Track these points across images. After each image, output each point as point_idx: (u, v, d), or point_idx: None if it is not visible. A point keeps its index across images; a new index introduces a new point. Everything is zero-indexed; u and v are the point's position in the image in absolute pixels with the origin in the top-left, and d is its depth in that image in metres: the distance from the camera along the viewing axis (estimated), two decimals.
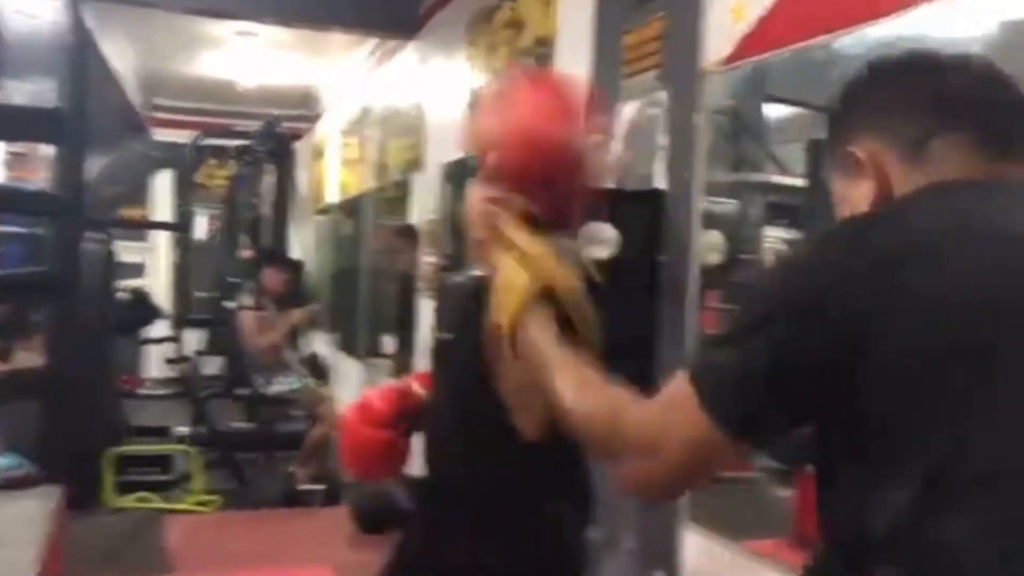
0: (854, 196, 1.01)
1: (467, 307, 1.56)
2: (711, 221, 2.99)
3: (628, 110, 3.27)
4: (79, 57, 3.84)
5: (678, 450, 0.96)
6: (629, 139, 3.27)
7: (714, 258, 2.88)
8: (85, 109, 3.87)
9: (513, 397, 1.46)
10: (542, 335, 1.21)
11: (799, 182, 5.06)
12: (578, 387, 1.11)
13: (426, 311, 5.67)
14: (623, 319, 2.87)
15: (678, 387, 0.96)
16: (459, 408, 1.58)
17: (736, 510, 3.60)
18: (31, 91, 4.03)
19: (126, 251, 7.79)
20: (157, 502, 5.15)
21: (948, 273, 0.86)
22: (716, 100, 3.07)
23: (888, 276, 0.86)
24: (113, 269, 5.43)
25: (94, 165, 5.13)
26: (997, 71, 1.02)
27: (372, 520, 4.80)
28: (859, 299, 0.87)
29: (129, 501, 5.10)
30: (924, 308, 0.85)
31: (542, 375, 1.18)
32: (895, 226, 0.92)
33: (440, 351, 1.92)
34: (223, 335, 6.63)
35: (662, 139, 3.07)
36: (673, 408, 0.97)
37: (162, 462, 5.71)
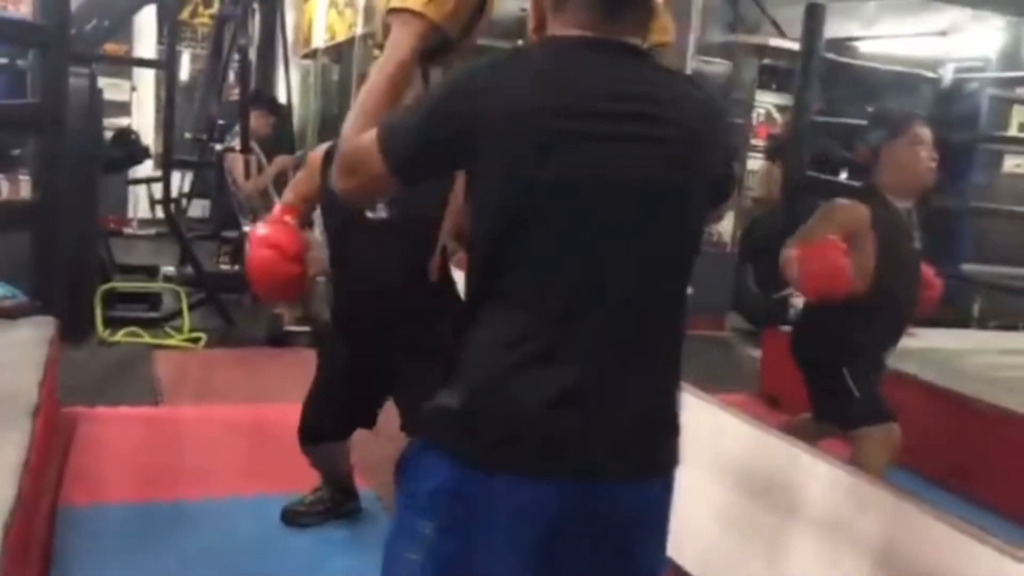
0: (531, 22, 1.43)
1: None
2: (701, 81, 3.01)
3: None
4: None
5: (363, 175, 1.37)
6: None
7: None
8: None
9: None
10: (386, 56, 1.44)
11: (793, 45, 5.01)
12: (355, 112, 1.40)
13: None
14: None
15: (374, 135, 1.33)
16: None
17: (710, 367, 3.77)
18: None
19: (111, 89, 7.67)
20: (146, 338, 5.27)
21: (504, 103, 1.28)
22: None
23: (477, 102, 1.29)
24: (99, 105, 5.37)
25: None
26: None
27: None
28: (464, 113, 1.30)
29: (119, 336, 5.22)
30: (492, 125, 1.28)
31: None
32: (495, 70, 1.33)
33: None
34: (210, 177, 6.63)
35: None
36: (370, 147, 1.33)
37: (150, 299, 5.82)
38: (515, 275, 1.31)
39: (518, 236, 1.30)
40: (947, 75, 5.56)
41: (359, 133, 1.36)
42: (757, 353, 4.99)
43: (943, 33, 6.06)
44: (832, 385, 2.91)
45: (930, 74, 5.65)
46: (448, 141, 1.31)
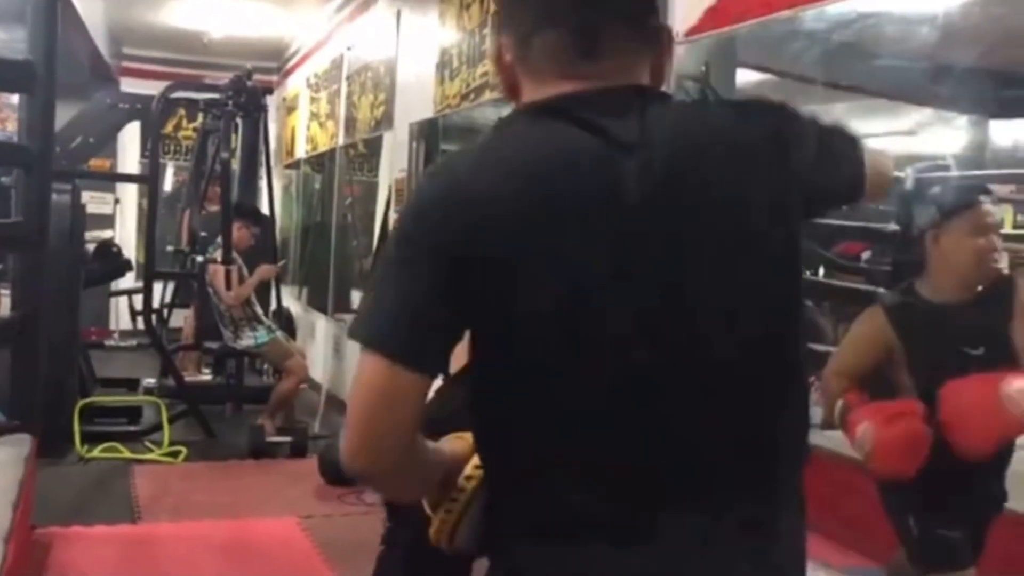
0: (502, 89, 1.13)
1: None
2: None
3: None
4: (49, 7, 3.81)
5: (381, 404, 0.99)
6: None
7: None
8: (55, 59, 3.85)
9: None
10: None
11: None
12: None
13: None
14: None
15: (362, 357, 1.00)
16: None
17: None
18: (0, 41, 4.00)
19: (94, 202, 7.75)
20: (125, 453, 5.20)
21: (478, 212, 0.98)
22: (685, 67, 3.14)
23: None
24: (81, 220, 5.42)
25: (62, 115, 5.09)
26: None
27: (339, 472, 4.90)
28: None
29: (97, 451, 5.15)
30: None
31: None
32: (451, 179, 1.03)
33: None
34: (191, 288, 6.64)
35: None
36: (361, 375, 1.00)
37: (130, 413, 5.76)
38: None
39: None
40: (911, 174, 5.67)
41: None
42: None
43: (911, 133, 6.23)
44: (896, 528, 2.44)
45: (898, 173, 5.78)
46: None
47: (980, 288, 2.34)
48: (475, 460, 1.12)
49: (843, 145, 1.19)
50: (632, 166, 0.98)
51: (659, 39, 1.09)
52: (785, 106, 1.12)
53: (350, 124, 7.10)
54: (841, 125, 1.20)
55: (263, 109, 6.77)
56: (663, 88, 1.12)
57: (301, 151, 9.00)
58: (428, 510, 1.16)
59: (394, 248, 1.02)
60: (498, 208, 0.97)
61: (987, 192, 2.45)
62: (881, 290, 2.97)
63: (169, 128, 9.67)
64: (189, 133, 9.70)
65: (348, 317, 7.16)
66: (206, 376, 6.81)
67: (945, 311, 2.33)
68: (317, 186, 8.94)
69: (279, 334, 6.02)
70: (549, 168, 0.99)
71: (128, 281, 7.85)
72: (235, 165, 6.76)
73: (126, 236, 9.00)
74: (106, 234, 7.90)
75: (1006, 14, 3.03)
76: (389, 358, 0.97)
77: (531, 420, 1.02)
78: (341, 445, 1.03)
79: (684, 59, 3.06)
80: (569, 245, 0.97)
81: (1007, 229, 6.57)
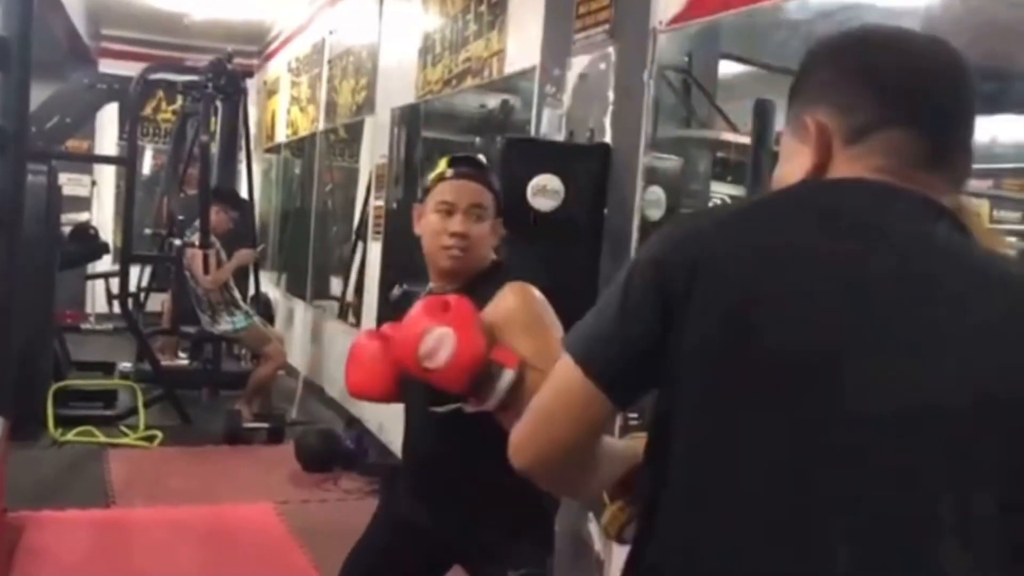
0: (795, 159, 1.03)
1: None
2: (654, 176, 3.07)
3: (579, 65, 3.32)
4: None
5: (561, 409, 1.02)
6: (579, 94, 3.32)
7: (654, 213, 2.96)
8: (30, 37, 3.79)
9: None
10: None
11: (746, 139, 5.10)
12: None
13: (374, 255, 5.71)
14: (568, 268, 2.96)
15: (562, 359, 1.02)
16: None
17: None
18: None
19: (71, 184, 7.66)
20: (99, 437, 5.15)
21: (712, 292, 0.93)
22: (667, 57, 3.13)
23: (683, 280, 0.94)
24: (58, 202, 5.36)
25: (38, 95, 5.03)
26: (949, 59, 1.02)
27: (317, 458, 4.89)
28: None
29: (71, 435, 5.10)
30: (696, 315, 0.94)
31: None
32: (706, 233, 0.98)
33: None
34: (169, 272, 6.59)
35: (612, 95, 3.12)
36: (555, 375, 1.03)
37: (105, 397, 5.71)
38: None
39: None
40: None
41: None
42: None
43: None
44: None
45: None
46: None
47: None
48: None
49: None
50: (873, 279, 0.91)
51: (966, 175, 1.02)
52: None
53: (331, 109, 7.05)
54: None
55: (243, 92, 6.72)
56: None
57: (281, 135, 8.94)
58: (606, 499, 1.21)
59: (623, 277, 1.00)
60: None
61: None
62: None
63: (148, 110, 9.59)
64: (168, 116, 9.61)
65: (326, 303, 7.14)
66: (183, 361, 6.77)
67: None
68: (297, 171, 8.89)
69: (257, 319, 5.99)
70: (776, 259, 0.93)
71: (105, 264, 7.78)
72: (214, 149, 6.71)
73: (103, 219, 8.91)
74: (83, 216, 7.84)
75: (986, 7, 3.05)
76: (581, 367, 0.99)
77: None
78: (512, 435, 1.05)
79: (667, 48, 3.05)
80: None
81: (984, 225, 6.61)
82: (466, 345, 1.58)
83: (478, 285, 1.79)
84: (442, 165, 1.88)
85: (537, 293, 1.70)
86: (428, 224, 1.85)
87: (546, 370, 1.06)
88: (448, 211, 1.82)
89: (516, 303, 1.67)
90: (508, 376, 1.57)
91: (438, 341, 1.58)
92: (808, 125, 1.01)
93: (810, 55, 1.06)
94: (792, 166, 1.03)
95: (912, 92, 0.99)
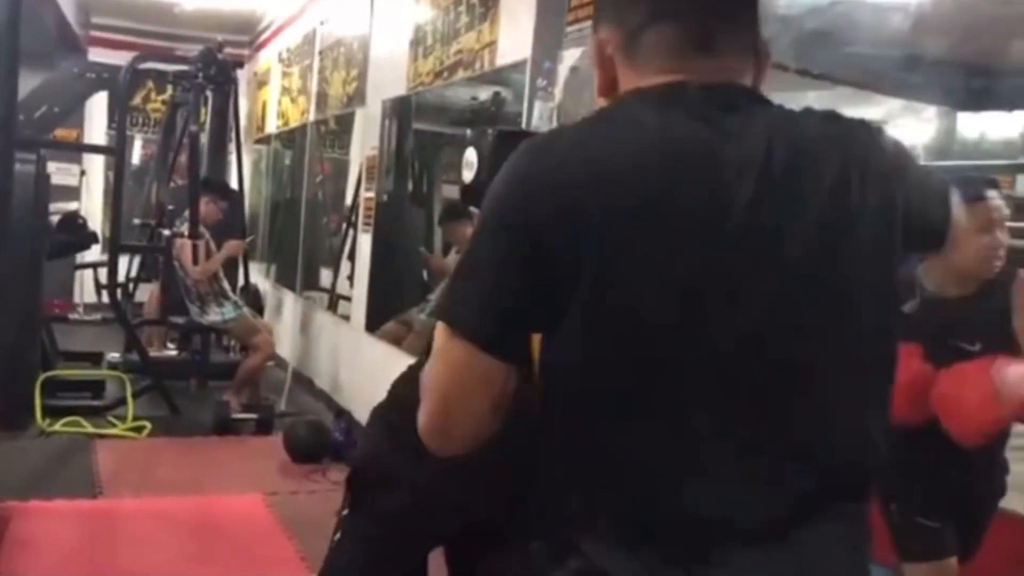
0: (595, 82, 1.08)
1: None
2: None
3: (570, 58, 3.32)
4: None
5: (444, 379, 0.97)
6: (571, 87, 3.32)
7: None
8: (18, 25, 3.78)
9: None
10: None
11: None
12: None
13: (364, 246, 5.70)
14: None
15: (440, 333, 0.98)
16: None
17: None
18: None
19: (60, 173, 7.62)
20: (87, 427, 5.14)
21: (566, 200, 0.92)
22: None
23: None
24: (46, 191, 5.33)
25: (27, 84, 5.00)
26: None
27: (305, 449, 4.89)
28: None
29: (59, 425, 5.09)
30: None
31: None
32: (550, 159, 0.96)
33: None
34: (157, 262, 6.57)
35: None
36: (448, 354, 0.97)
37: (93, 387, 5.69)
38: None
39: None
40: None
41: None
42: None
43: (880, 123, 6.27)
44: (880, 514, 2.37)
45: None
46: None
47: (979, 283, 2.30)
48: None
49: (938, 184, 1.16)
50: (744, 162, 0.94)
51: (760, 52, 1.06)
52: (883, 128, 1.09)
53: (322, 100, 7.03)
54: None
55: (233, 82, 6.70)
56: None
57: (272, 126, 8.91)
58: None
59: (480, 225, 0.98)
60: (596, 196, 0.91)
61: (995, 185, 2.33)
62: None
63: (138, 100, 9.55)
64: (158, 105, 9.57)
65: (316, 294, 7.13)
66: (171, 351, 6.75)
67: (944, 305, 2.31)
68: (287, 162, 8.86)
69: (246, 310, 5.98)
70: (658, 161, 0.93)
71: (93, 254, 7.74)
72: (204, 139, 6.68)
73: (92, 208, 8.86)
74: (72, 206, 7.79)
75: (976, 4, 3.06)
76: (472, 342, 0.94)
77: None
78: (420, 420, 0.99)
79: None
80: (669, 243, 0.92)
81: None
82: None
83: None
84: None
85: None
86: None
87: None
88: None
89: None
90: None
91: None
92: (594, 43, 1.07)
93: None
94: (594, 91, 1.09)
95: None
